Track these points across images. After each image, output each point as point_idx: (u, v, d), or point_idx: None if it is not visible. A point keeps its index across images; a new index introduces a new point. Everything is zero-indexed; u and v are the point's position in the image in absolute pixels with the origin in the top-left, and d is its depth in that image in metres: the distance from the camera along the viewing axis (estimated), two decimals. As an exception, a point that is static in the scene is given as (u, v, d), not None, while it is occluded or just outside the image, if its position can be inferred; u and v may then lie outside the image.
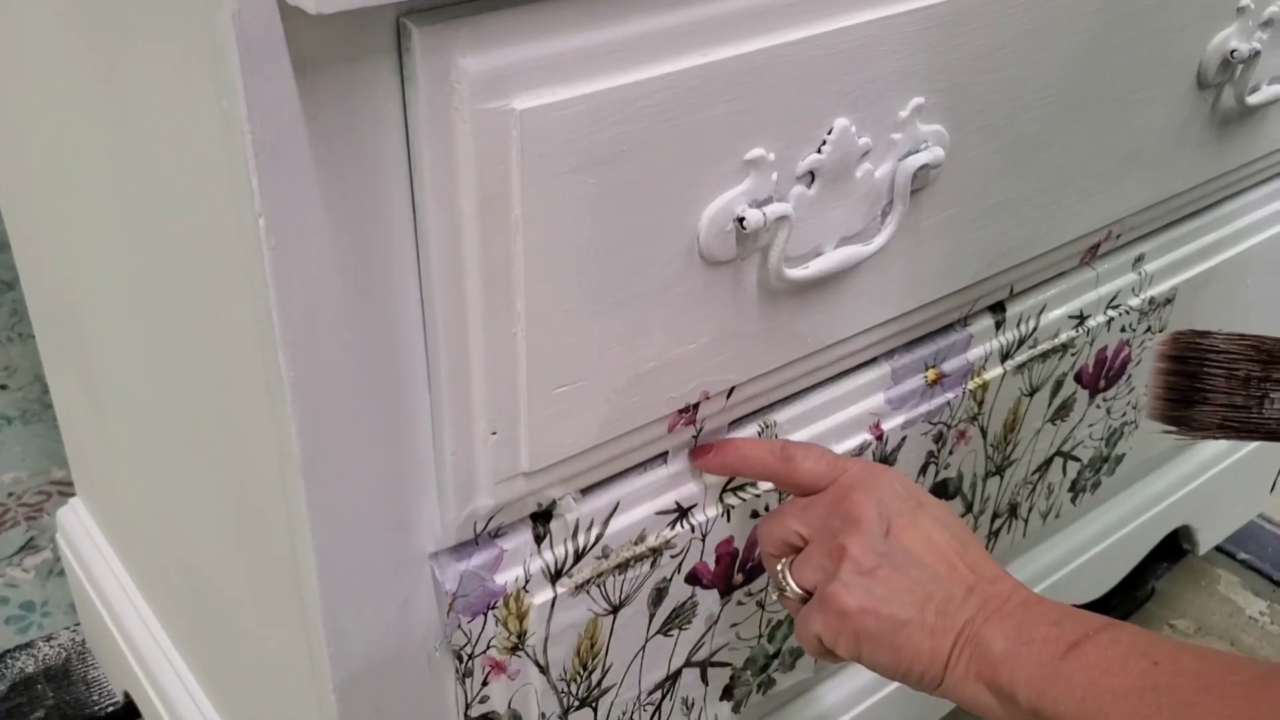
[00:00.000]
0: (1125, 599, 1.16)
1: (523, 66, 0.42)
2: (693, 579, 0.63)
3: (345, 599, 0.51)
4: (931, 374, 0.69)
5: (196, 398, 0.58)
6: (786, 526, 0.55)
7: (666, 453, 0.59)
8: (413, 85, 0.41)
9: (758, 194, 0.51)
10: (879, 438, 0.68)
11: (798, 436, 0.64)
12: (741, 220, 0.51)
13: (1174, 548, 1.13)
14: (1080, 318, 0.77)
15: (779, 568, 0.55)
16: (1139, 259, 0.80)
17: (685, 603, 0.63)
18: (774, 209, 0.51)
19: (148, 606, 0.85)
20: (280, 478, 0.48)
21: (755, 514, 0.64)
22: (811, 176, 0.53)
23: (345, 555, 0.50)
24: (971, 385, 0.72)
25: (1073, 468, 0.86)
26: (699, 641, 0.66)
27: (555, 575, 0.56)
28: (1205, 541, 1.12)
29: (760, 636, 0.70)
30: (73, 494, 0.96)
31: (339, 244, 0.43)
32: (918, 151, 0.57)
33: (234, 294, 0.47)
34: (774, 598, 0.56)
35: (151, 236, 0.55)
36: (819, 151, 0.53)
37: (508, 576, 0.54)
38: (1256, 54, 0.71)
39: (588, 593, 0.58)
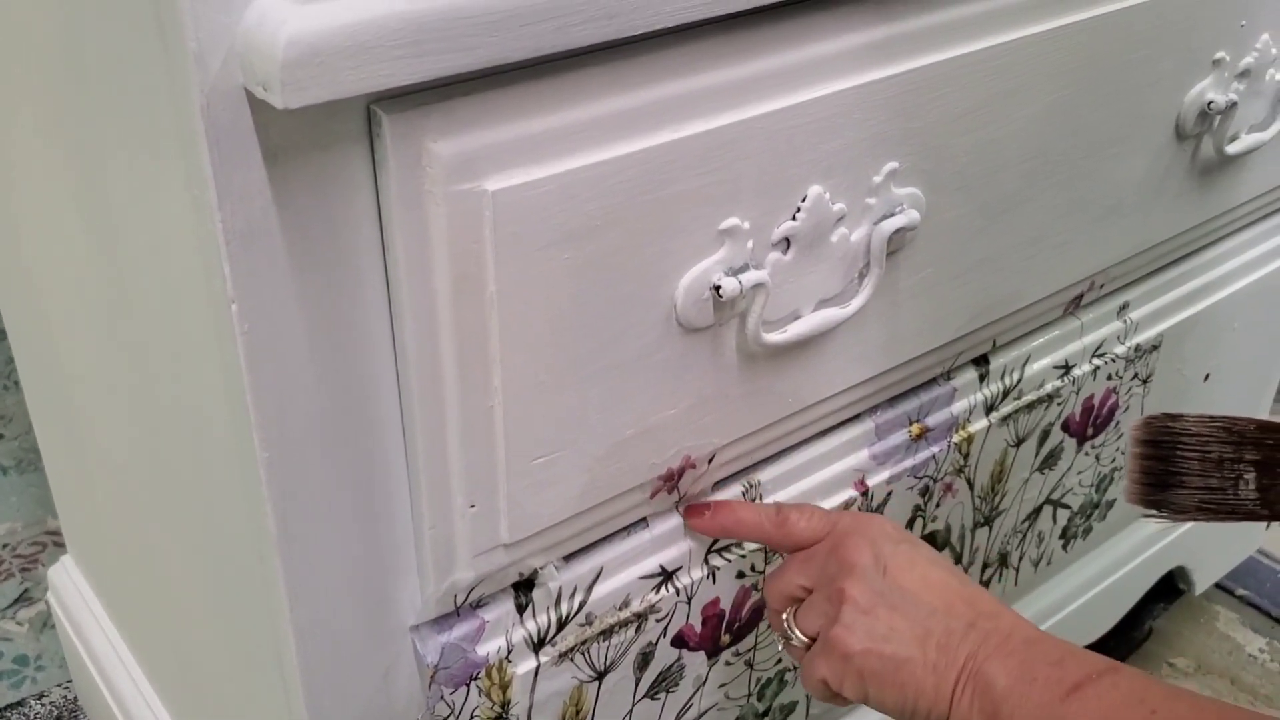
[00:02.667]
0: (1122, 641, 1.16)
1: (494, 148, 0.42)
2: (679, 641, 0.63)
3: (325, 674, 0.51)
4: (916, 428, 0.69)
5: (176, 473, 0.58)
6: (789, 580, 0.56)
7: (647, 517, 0.59)
8: (384, 170, 0.42)
9: (734, 262, 0.52)
10: (864, 493, 0.68)
11: (783, 495, 0.64)
12: (718, 289, 0.51)
13: (1170, 588, 1.13)
14: (1065, 367, 0.77)
15: (784, 617, 0.56)
16: (1123, 307, 0.80)
17: (672, 665, 0.63)
18: (750, 276, 0.52)
19: (139, 667, 0.84)
20: (258, 555, 0.48)
21: (741, 574, 0.64)
22: (787, 243, 0.54)
23: (324, 630, 0.50)
24: (956, 438, 0.72)
25: (1063, 515, 0.86)
26: (687, 703, 0.66)
27: (538, 644, 0.56)
28: (1201, 581, 1.12)
29: (749, 695, 0.69)
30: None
31: (313, 326, 0.43)
32: (893, 215, 0.57)
33: (209, 376, 0.47)
34: (780, 647, 0.57)
35: (130, 316, 0.55)
36: (794, 219, 0.53)
37: (490, 647, 0.54)
38: (1233, 105, 0.72)
39: (572, 660, 0.58)
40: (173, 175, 0.42)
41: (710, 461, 0.59)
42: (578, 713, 0.60)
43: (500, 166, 0.43)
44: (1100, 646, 1.06)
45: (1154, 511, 0.57)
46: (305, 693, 0.50)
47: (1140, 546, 0.99)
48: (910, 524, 0.72)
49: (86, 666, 0.90)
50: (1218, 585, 1.26)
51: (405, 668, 0.53)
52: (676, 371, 0.53)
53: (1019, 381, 0.74)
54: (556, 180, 0.44)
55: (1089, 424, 0.82)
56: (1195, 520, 0.56)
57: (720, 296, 0.51)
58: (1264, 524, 1.12)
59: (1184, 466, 0.56)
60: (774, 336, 0.55)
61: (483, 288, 0.45)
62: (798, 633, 0.55)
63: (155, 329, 0.52)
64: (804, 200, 0.53)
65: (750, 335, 0.54)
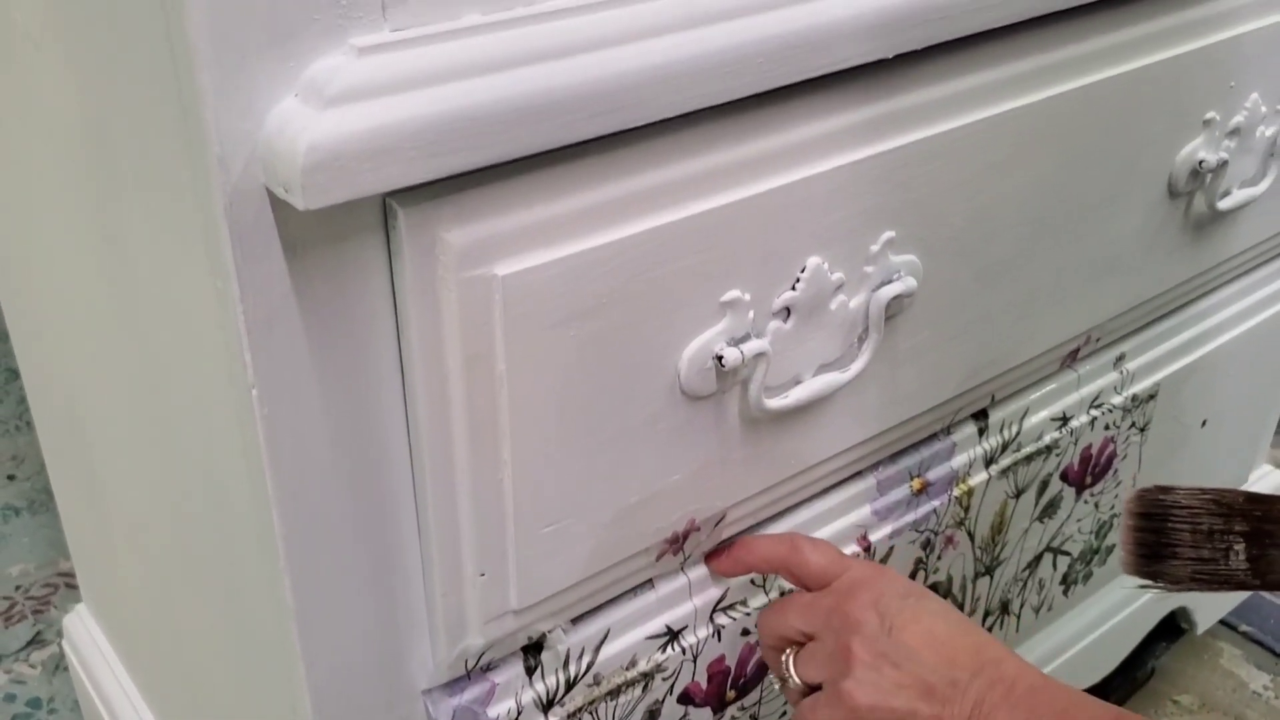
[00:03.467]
0: (1125, 680, 1.16)
1: (503, 235, 0.44)
2: (685, 699, 0.64)
3: (341, 738, 0.52)
4: (916, 483, 0.71)
5: (197, 538, 0.59)
6: (788, 624, 0.57)
7: (653, 579, 0.60)
8: (399, 259, 0.43)
9: (735, 332, 0.53)
10: (867, 549, 0.69)
11: (785, 552, 0.65)
12: (720, 358, 0.53)
13: (1172, 627, 1.13)
14: (1064, 419, 0.79)
15: (783, 660, 0.57)
16: (1120, 358, 0.82)
17: (678, 721, 0.64)
18: (751, 346, 0.53)
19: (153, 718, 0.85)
20: (276, 623, 0.50)
21: (745, 631, 0.65)
22: (787, 312, 0.55)
23: (338, 695, 0.51)
24: (957, 492, 0.73)
25: (1063, 562, 0.87)
26: (693, 756, 0.67)
27: (548, 705, 0.57)
28: (1203, 621, 1.13)
29: (754, 747, 0.70)
30: (78, 585, 0.97)
31: (329, 407, 0.45)
32: (890, 282, 0.58)
33: (230, 454, 0.48)
34: (776, 688, 0.58)
35: (155, 393, 0.57)
36: (793, 289, 0.55)
37: (500, 709, 0.56)
38: (1225, 163, 0.73)
39: None
40: (197, 265, 0.44)
41: (717, 525, 0.60)
42: (587, 770, 0.61)
43: (509, 252, 0.44)
44: (1103, 686, 1.07)
45: (1150, 582, 0.59)
46: (320, 757, 0.52)
47: (1139, 591, 1.00)
48: (912, 576, 0.74)
49: (101, 717, 0.91)
50: (1221, 621, 1.26)
51: (418, 730, 0.55)
52: (680, 439, 0.55)
53: (1018, 434, 0.76)
54: (563, 263, 0.46)
55: (1087, 473, 0.83)
56: (1190, 590, 0.58)
57: (723, 366, 0.53)
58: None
59: (1176, 538, 0.57)
60: (776, 402, 0.57)
61: (493, 366, 0.46)
62: (795, 678, 0.56)
63: (179, 407, 0.54)
64: (803, 271, 0.54)
65: (752, 402, 0.55)
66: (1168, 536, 0.58)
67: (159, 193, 0.45)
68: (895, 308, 0.60)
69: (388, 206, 0.42)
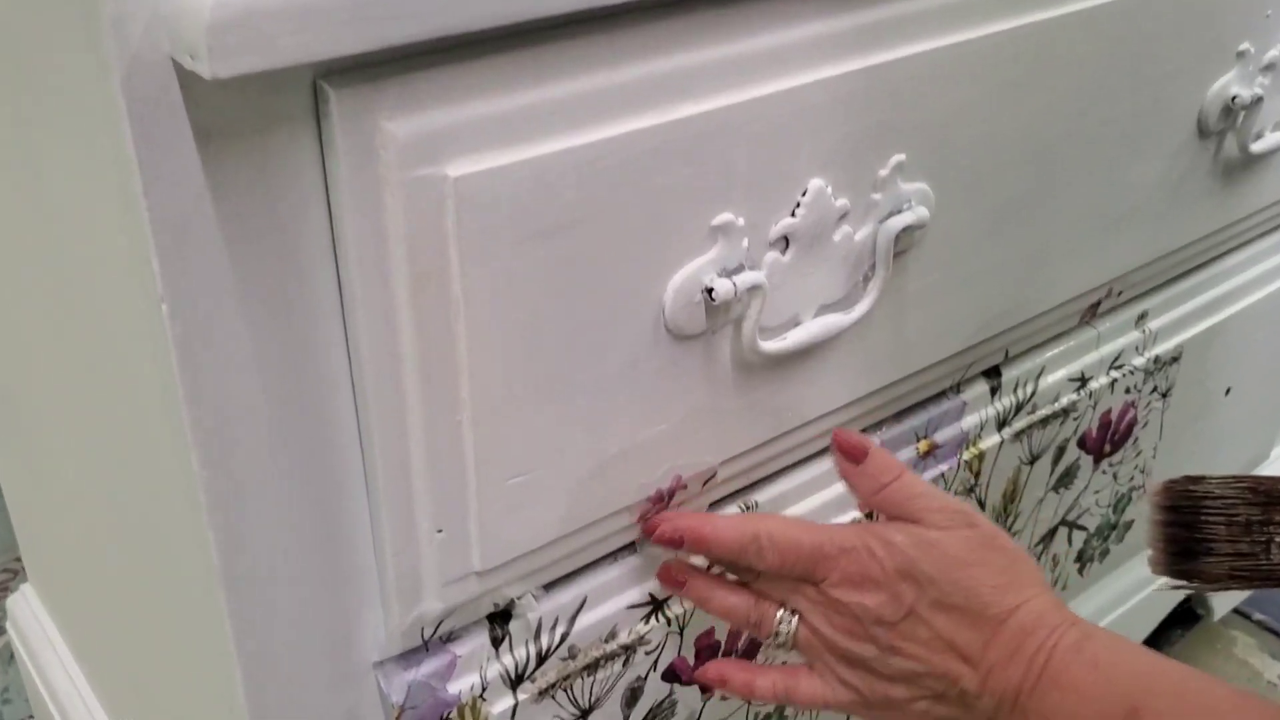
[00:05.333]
0: (1138, 668, 1.10)
1: (457, 129, 0.38)
2: (671, 676, 0.58)
3: (278, 717, 0.46)
4: (923, 445, 0.65)
5: (125, 497, 0.53)
6: (864, 603, 0.49)
7: (635, 542, 0.54)
8: (333, 154, 0.37)
9: (727, 262, 0.47)
10: (869, 515, 0.63)
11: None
12: (710, 291, 0.47)
13: (1188, 614, 1.08)
14: (1082, 380, 0.73)
15: (780, 614, 0.51)
16: (1142, 316, 0.76)
17: (663, 702, 0.58)
18: (746, 278, 0.47)
19: (99, 703, 0.79)
20: (204, 591, 0.44)
21: (737, 603, 0.59)
22: (786, 242, 0.49)
23: (276, 670, 0.45)
24: (967, 455, 0.67)
25: (1079, 537, 0.81)
26: (680, 742, 0.61)
27: (516, 680, 0.51)
28: (1220, 606, 1.07)
29: (747, 733, 0.65)
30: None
31: (257, 330, 0.39)
32: (900, 212, 0.53)
33: (149, 388, 0.42)
34: (752, 619, 0.51)
35: (74, 323, 0.51)
36: (793, 215, 0.49)
37: (462, 685, 0.49)
38: (1259, 100, 0.67)
39: (553, 697, 0.53)
40: (102, 160, 0.38)
41: (705, 483, 0.54)
42: (560, 755, 0.55)
43: (465, 150, 0.38)
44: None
45: (1183, 582, 0.53)
46: (256, 737, 0.46)
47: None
48: (918, 547, 0.68)
49: (45, 702, 0.85)
50: (1236, 610, 1.21)
51: (369, 708, 0.49)
52: (665, 383, 0.49)
53: (1033, 395, 0.70)
54: (529, 166, 0.40)
55: (1106, 440, 0.77)
56: (1228, 589, 0.52)
57: (713, 300, 0.47)
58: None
59: (1210, 532, 0.53)
60: (772, 344, 0.51)
61: (447, 288, 0.40)
62: (791, 631, 0.50)
63: (97, 338, 0.48)
64: (804, 195, 0.49)
65: (746, 343, 0.49)
66: (1201, 531, 0.53)
67: (63, 74, 0.39)
68: (905, 242, 0.54)
69: (319, 90, 0.36)
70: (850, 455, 0.51)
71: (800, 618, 0.50)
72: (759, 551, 0.49)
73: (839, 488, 0.61)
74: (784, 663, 0.52)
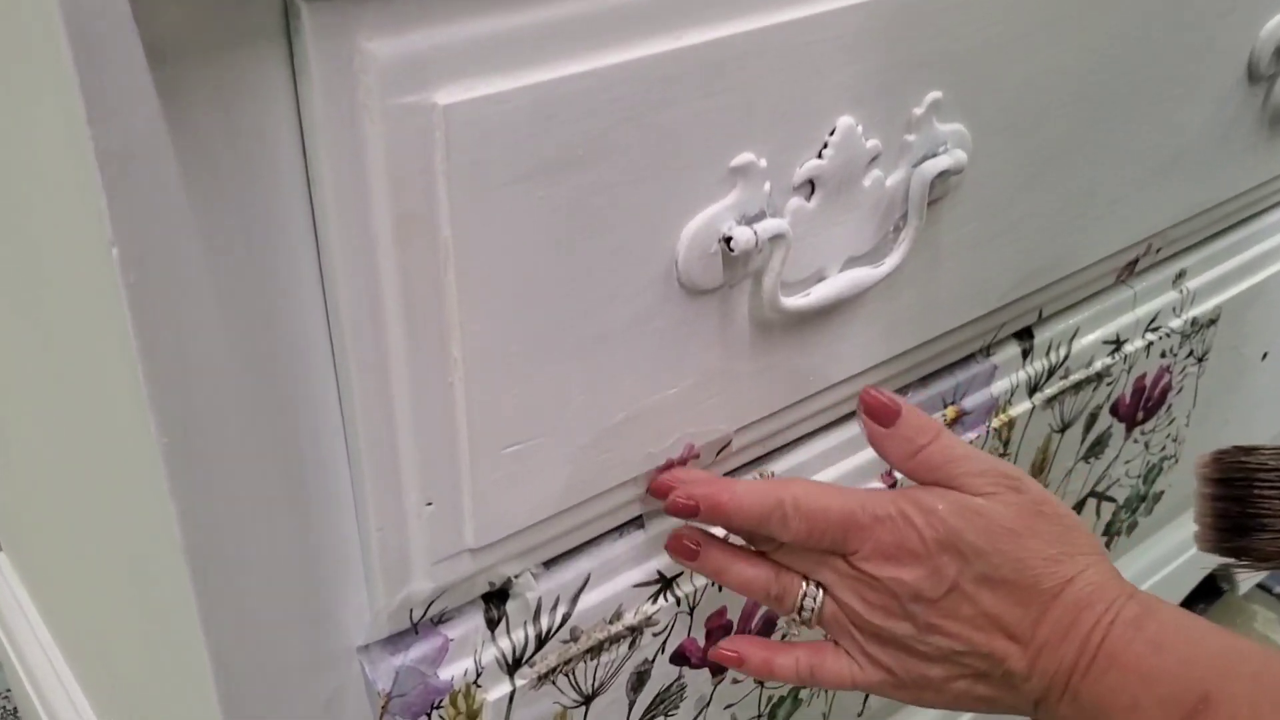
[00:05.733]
0: (1159, 643, 1.07)
1: (447, 51, 0.34)
2: (679, 658, 0.54)
3: (251, 704, 0.42)
4: (951, 411, 0.60)
5: (88, 463, 0.49)
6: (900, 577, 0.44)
7: (642, 516, 0.50)
8: (306, 77, 0.33)
9: (747, 208, 0.43)
10: (892, 486, 0.59)
11: (799, 489, 0.55)
12: (729, 240, 0.42)
13: (1210, 588, 1.04)
14: (1116, 343, 0.68)
15: (805, 587, 0.46)
16: (1180, 275, 0.71)
17: (671, 686, 0.54)
18: (767, 226, 0.43)
19: (74, 679, 0.76)
20: (170, 568, 0.40)
21: (751, 580, 0.55)
22: (811, 186, 0.45)
23: (248, 654, 0.41)
24: (996, 423, 0.63)
25: (1107, 509, 0.77)
26: (689, 728, 0.57)
27: (514, 665, 0.47)
28: (1244, 581, 1.03)
29: (760, 717, 0.61)
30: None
31: (220, 280, 0.34)
32: (935, 155, 0.48)
33: (106, 343, 0.38)
34: (773, 593, 0.46)
35: (29, 273, 0.46)
36: (819, 156, 0.44)
37: (455, 670, 0.45)
38: (1314, 42, 0.63)
39: (554, 683, 0.49)
40: (42, 83, 0.33)
41: (718, 452, 0.50)
42: (562, 744, 0.51)
43: (455, 75, 0.34)
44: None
45: (1233, 560, 0.49)
46: (228, 727, 0.42)
47: (1185, 544, 0.90)
48: (943, 520, 0.63)
49: (20, 676, 0.81)
50: (1259, 585, 1.17)
51: (353, 696, 0.45)
52: (677, 343, 0.45)
53: (1066, 358, 0.65)
54: (527, 95, 0.35)
55: (1139, 407, 0.73)
56: None
57: (731, 250, 0.42)
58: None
59: (1264, 507, 0.49)
60: (794, 301, 0.46)
61: (435, 232, 0.36)
62: (817, 606, 0.46)
63: (53, 292, 0.43)
64: (832, 134, 0.44)
65: (766, 299, 0.45)
66: (1254, 505, 0.49)
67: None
68: (939, 190, 0.49)
69: (289, 4, 0.32)
70: (881, 418, 0.46)
71: (827, 592, 0.46)
72: (783, 520, 0.44)
73: (862, 457, 0.57)
74: (786, 637, 0.48)
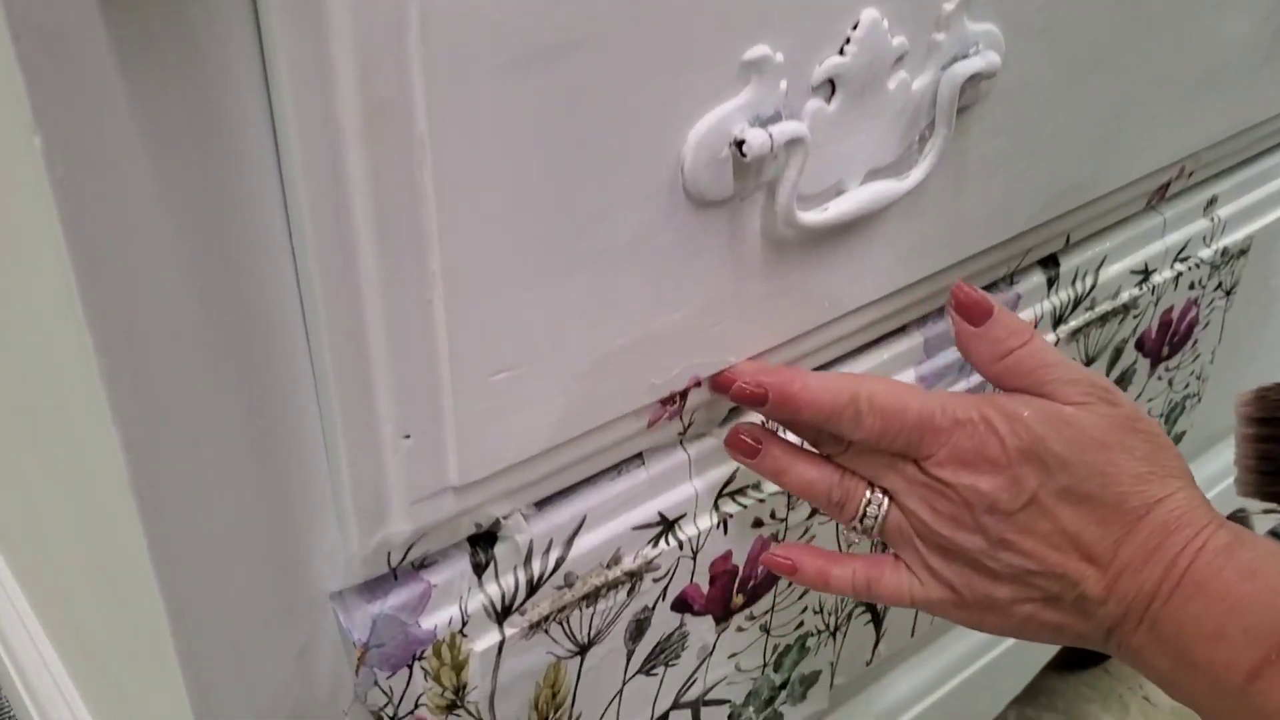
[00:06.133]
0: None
1: (421, -88, 0.29)
2: (681, 605, 0.50)
3: (214, 655, 0.38)
4: (972, 344, 0.56)
5: (35, 393, 0.45)
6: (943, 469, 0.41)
7: (643, 453, 0.46)
8: (256, -62, 0.28)
9: (761, 109, 0.38)
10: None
11: (810, 425, 0.51)
12: (741, 144, 0.38)
13: (1225, 531, 1.01)
14: (1145, 273, 0.64)
15: (872, 495, 0.43)
16: (1211, 202, 0.67)
17: (672, 634, 0.51)
18: (784, 129, 0.38)
19: (42, 630, 0.72)
20: (122, 509, 0.36)
21: (758, 522, 0.51)
22: (832, 87, 0.40)
23: (209, 601, 0.37)
24: (1018, 356, 0.59)
25: (1127, 450, 0.74)
26: (690, 678, 0.53)
27: (503, 613, 0.44)
28: (1261, 525, 1.00)
29: (765, 666, 0.57)
30: None
31: (167, 180, 0.30)
32: (966, 57, 0.44)
33: (43, 254, 0.34)
34: (835, 498, 0.43)
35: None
36: (841, 53, 0.40)
37: (438, 619, 0.42)
38: (1366, -54, 0.58)
39: (546, 632, 0.45)
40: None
41: (723, 382, 0.46)
42: (554, 696, 0.48)
43: (431, -60, 0.29)
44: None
45: (1273, 505, 0.46)
46: (187, 678, 0.38)
47: (1205, 485, 0.87)
48: (959, 460, 0.60)
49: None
50: (1271, 531, 1.15)
51: (327, 646, 0.41)
52: (681, 261, 0.40)
53: (1092, 288, 0.61)
54: (515, -33, 0.31)
55: (1165, 341, 0.69)
56: None
57: (743, 156, 0.38)
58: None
59: None
60: (812, 216, 0.42)
61: (409, 125, 0.31)
62: (882, 514, 0.43)
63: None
64: (855, 28, 0.40)
65: (781, 213, 0.41)
66: None
67: None
68: (969, 96, 0.45)
69: None
70: (971, 315, 0.42)
71: (893, 499, 0.42)
72: (856, 416, 0.41)
73: (877, 391, 0.53)
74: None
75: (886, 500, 0.43)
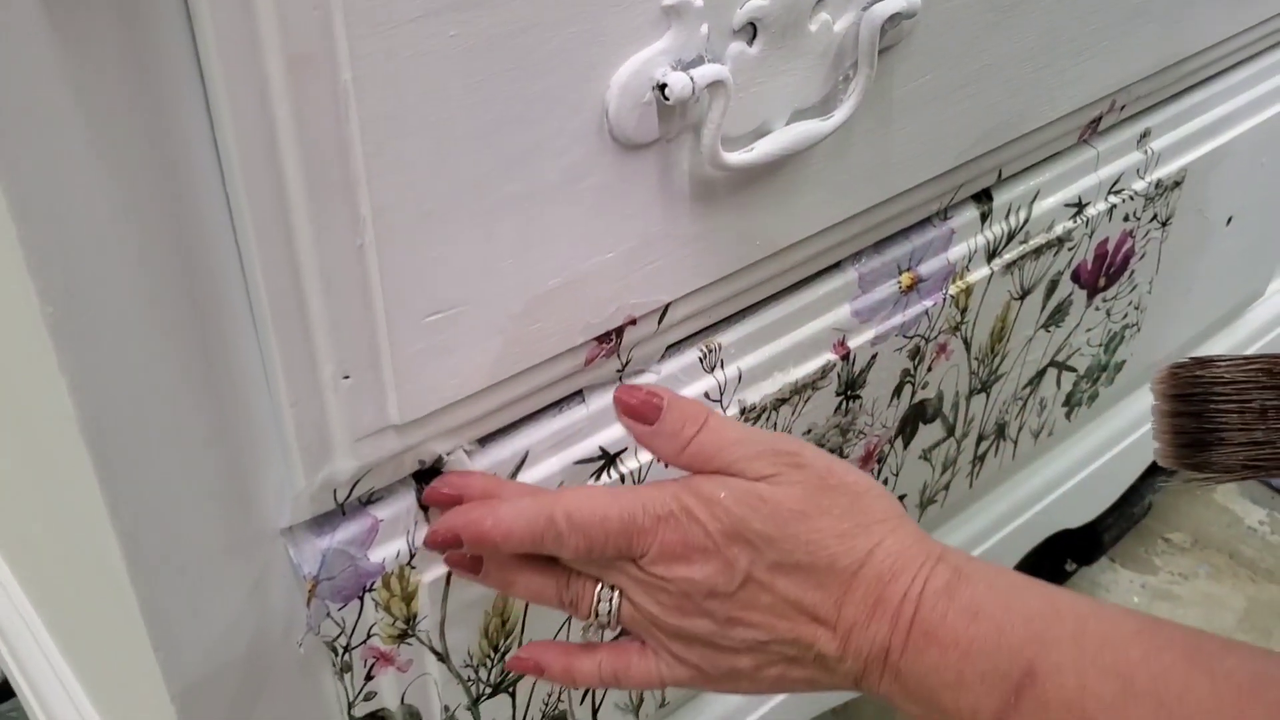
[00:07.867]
0: (1120, 517, 1.07)
1: None
2: (627, 536, 0.52)
3: (169, 591, 0.40)
4: (906, 278, 0.58)
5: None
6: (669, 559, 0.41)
7: (583, 390, 0.48)
8: (172, -107, 0.29)
9: (683, 52, 0.40)
10: (845, 357, 0.57)
11: (748, 360, 0.53)
12: (663, 88, 0.39)
13: (1170, 459, 1.04)
14: (1078, 205, 0.66)
15: (599, 590, 0.43)
16: (1144, 135, 0.69)
17: (619, 564, 0.53)
18: (705, 72, 0.40)
19: (14, 580, 0.73)
20: (71, 451, 0.37)
21: (700, 455, 0.53)
22: (753, 29, 0.42)
23: (161, 538, 0.39)
24: (953, 290, 0.61)
25: (1068, 379, 0.76)
26: (639, 606, 0.55)
27: (449, 546, 0.45)
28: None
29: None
30: None
31: (97, 119, 0.31)
32: (887, -3, 0.45)
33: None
34: (565, 600, 0.43)
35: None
36: (761, -4, 0.41)
37: (386, 552, 0.44)
38: (1288, -120, 0.59)
39: (494, 563, 0.47)
40: None
41: (660, 321, 0.48)
42: (503, 624, 0.49)
43: (345, -108, 0.30)
44: (1098, 523, 0.98)
45: (1195, 474, 0.48)
46: (145, 613, 0.40)
47: (1147, 414, 0.89)
48: (898, 391, 0.62)
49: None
50: (1265, 482, 1.18)
51: (279, 580, 0.43)
52: (611, 202, 0.42)
53: (1026, 221, 0.63)
54: (429, -83, 0.32)
55: (1101, 272, 0.71)
56: (1244, 479, 0.47)
57: (666, 99, 0.39)
58: None
59: (1222, 421, 0.47)
60: (737, 156, 0.43)
61: (334, 75, 0.33)
62: (613, 610, 0.43)
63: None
64: (773, -30, 0.41)
65: (706, 154, 0.42)
66: (1211, 420, 0.48)
67: None
68: (892, 36, 0.46)
69: None
70: (642, 415, 0.42)
71: (622, 594, 0.42)
72: (558, 538, 0.40)
73: (811, 327, 0.55)
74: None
75: (616, 594, 0.42)
